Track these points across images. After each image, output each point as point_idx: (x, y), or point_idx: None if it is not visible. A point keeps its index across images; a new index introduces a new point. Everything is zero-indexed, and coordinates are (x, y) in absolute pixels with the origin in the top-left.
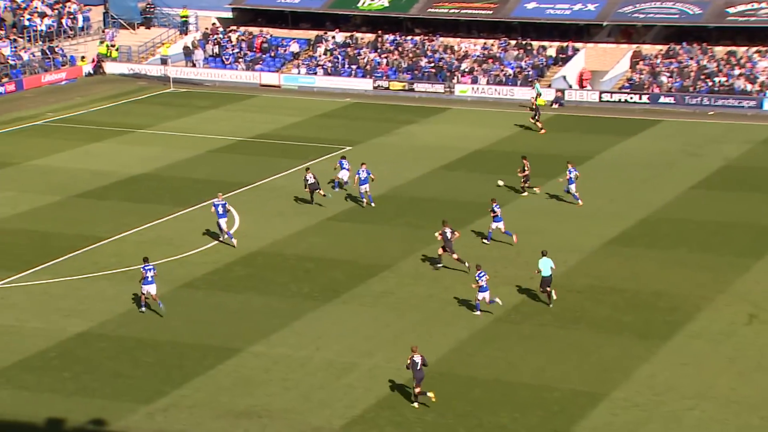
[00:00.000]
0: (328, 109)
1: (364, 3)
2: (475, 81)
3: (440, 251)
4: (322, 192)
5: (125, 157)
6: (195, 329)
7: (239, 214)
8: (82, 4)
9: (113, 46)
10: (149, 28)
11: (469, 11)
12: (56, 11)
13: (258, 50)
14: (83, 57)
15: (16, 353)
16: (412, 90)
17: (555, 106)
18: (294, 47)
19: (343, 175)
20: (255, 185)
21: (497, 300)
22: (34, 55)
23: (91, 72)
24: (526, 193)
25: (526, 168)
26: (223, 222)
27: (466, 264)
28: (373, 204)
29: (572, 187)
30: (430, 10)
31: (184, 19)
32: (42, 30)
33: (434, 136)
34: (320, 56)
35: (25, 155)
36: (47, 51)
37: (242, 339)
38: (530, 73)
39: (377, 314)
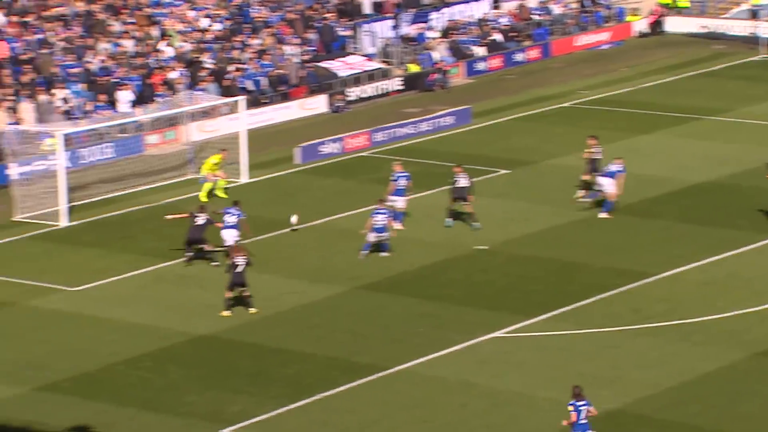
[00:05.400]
0: None
1: None
2: None
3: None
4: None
5: (685, 156)
6: None
7: None
8: None
9: None
10: None
11: None
12: None
13: None
14: (636, 9)
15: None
16: None
17: None
18: None
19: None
20: None
21: None
22: (568, 8)
23: (647, 31)
24: None
25: None
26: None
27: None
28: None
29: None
30: None
31: None
32: None
33: None
34: None
35: (545, 150)
36: (583, 2)
37: None
38: None
39: None
